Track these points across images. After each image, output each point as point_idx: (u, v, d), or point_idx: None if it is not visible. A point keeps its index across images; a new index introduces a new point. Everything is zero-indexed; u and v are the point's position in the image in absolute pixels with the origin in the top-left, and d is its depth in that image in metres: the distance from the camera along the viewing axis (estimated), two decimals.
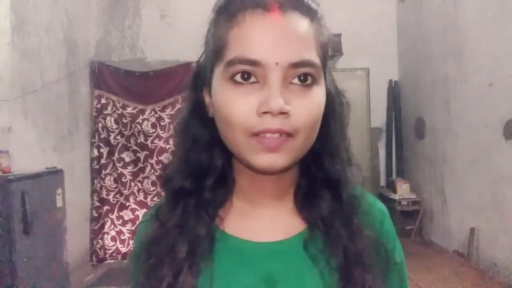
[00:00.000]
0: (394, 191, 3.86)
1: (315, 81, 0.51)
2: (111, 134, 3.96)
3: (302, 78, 0.50)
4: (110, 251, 3.96)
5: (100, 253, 3.92)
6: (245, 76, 0.49)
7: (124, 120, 3.96)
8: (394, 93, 4.31)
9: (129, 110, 3.96)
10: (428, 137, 3.78)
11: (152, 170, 3.97)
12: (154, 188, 3.98)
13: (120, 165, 3.97)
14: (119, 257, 3.96)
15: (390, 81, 4.33)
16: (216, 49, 0.52)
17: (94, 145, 3.91)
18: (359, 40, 4.02)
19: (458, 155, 3.27)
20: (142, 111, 3.98)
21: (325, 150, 0.57)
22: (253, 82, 0.49)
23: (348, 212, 0.56)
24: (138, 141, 3.98)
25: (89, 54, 3.99)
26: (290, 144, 0.49)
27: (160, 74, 3.97)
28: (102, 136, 3.93)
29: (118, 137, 3.97)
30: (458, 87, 3.24)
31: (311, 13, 0.51)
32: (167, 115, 3.99)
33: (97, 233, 3.91)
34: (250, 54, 0.48)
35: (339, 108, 0.58)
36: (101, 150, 3.93)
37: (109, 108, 3.95)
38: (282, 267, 0.54)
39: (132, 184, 3.99)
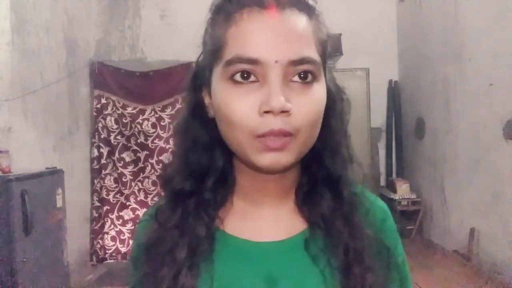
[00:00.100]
0: (394, 191, 3.86)
1: (315, 78, 0.50)
2: (111, 134, 3.96)
3: (302, 75, 0.49)
4: (110, 251, 3.96)
5: (100, 253, 3.92)
6: (245, 75, 0.48)
7: (124, 120, 3.96)
8: (394, 93, 4.31)
9: (129, 110, 3.96)
10: (428, 137, 3.78)
11: (153, 170, 3.97)
12: (154, 188, 3.99)
13: (121, 164, 3.97)
14: (119, 257, 3.96)
15: (390, 81, 4.33)
16: (214, 49, 0.52)
17: (94, 145, 3.92)
18: (359, 40, 4.02)
19: (458, 155, 3.27)
20: (142, 111, 3.98)
21: (325, 147, 0.57)
22: (253, 81, 0.49)
23: (349, 210, 0.56)
24: (139, 141, 3.98)
25: (89, 54, 3.99)
26: (293, 143, 0.49)
27: (160, 74, 3.97)
28: (102, 136, 3.94)
29: (119, 137, 3.98)
30: (458, 87, 3.24)
31: (309, 10, 0.51)
32: (167, 115, 3.99)
33: (97, 233, 3.91)
34: (249, 52, 0.48)
35: (339, 105, 0.58)
36: (101, 150, 3.93)
37: (109, 108, 3.95)
38: (283, 267, 0.54)
39: (133, 183, 4.00)
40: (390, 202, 3.74)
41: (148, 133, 3.98)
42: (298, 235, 0.56)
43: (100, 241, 3.93)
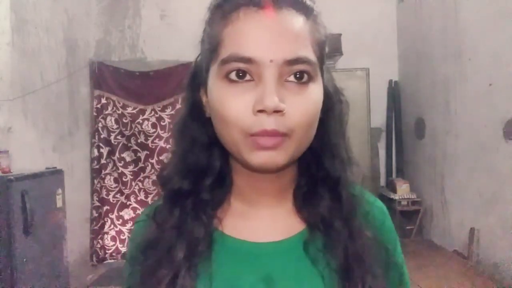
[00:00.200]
0: (394, 191, 3.86)
1: (311, 79, 0.50)
2: (111, 134, 3.96)
3: (298, 75, 0.49)
4: (110, 251, 3.97)
5: (100, 253, 3.92)
6: (240, 74, 0.49)
7: (124, 120, 3.97)
8: (394, 93, 4.31)
9: (129, 110, 3.97)
10: (428, 137, 3.78)
11: (153, 170, 3.97)
12: (154, 187, 3.99)
13: (121, 164, 3.98)
14: (119, 257, 3.96)
15: (390, 81, 4.33)
16: (211, 47, 0.52)
17: (94, 145, 3.92)
18: (359, 40, 4.02)
19: (458, 155, 3.27)
20: (142, 111, 3.98)
21: (324, 149, 0.57)
22: (248, 80, 0.49)
23: (348, 211, 0.56)
24: (139, 141, 3.98)
25: (89, 54, 3.99)
26: (287, 143, 0.49)
27: (160, 74, 3.97)
28: (102, 136, 3.94)
29: (119, 137, 3.98)
30: (458, 87, 3.23)
31: (306, 10, 0.51)
32: (167, 115, 3.99)
33: (97, 233, 3.91)
34: (244, 51, 0.48)
35: (338, 107, 0.58)
36: (101, 150, 3.93)
37: (109, 108, 3.95)
38: (281, 267, 0.54)
39: (133, 183, 4.00)
40: (390, 202, 3.74)
41: (148, 133, 3.99)
42: (296, 236, 0.56)
43: (100, 241, 3.93)
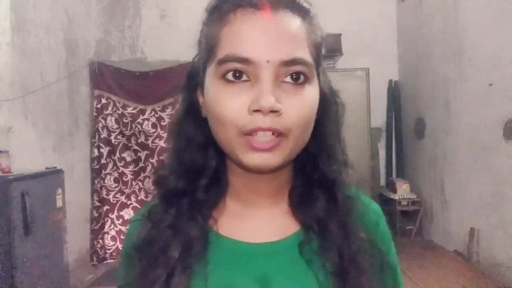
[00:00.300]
0: (394, 191, 3.86)
1: (307, 80, 0.50)
2: (111, 134, 3.97)
3: (294, 76, 0.49)
4: (110, 251, 3.97)
5: (100, 253, 3.93)
6: (237, 74, 0.49)
7: (124, 120, 3.97)
8: (394, 93, 4.30)
9: (129, 110, 3.97)
10: (428, 137, 3.78)
11: (153, 170, 3.97)
12: (154, 187, 3.99)
13: (122, 164, 3.98)
14: (119, 257, 3.96)
15: (390, 81, 4.33)
16: (208, 48, 0.52)
17: (94, 145, 3.92)
18: (359, 40, 4.01)
19: (458, 155, 3.26)
20: (142, 111, 3.99)
21: (320, 150, 0.57)
22: (245, 81, 0.49)
23: (343, 213, 0.56)
24: (139, 140, 3.99)
25: (89, 54, 3.99)
26: (283, 144, 0.49)
27: (160, 74, 3.98)
28: (102, 136, 3.94)
29: (119, 137, 3.99)
30: (458, 87, 3.23)
31: (303, 12, 0.51)
32: (167, 115, 4.00)
33: (97, 233, 3.92)
34: (241, 52, 0.48)
35: (334, 109, 0.58)
36: (101, 150, 3.94)
37: (110, 108, 3.96)
38: (276, 268, 0.54)
39: (134, 183, 4.01)
40: (390, 202, 3.74)
41: (149, 133, 3.99)
42: (291, 236, 0.56)
43: (100, 241, 3.93)
